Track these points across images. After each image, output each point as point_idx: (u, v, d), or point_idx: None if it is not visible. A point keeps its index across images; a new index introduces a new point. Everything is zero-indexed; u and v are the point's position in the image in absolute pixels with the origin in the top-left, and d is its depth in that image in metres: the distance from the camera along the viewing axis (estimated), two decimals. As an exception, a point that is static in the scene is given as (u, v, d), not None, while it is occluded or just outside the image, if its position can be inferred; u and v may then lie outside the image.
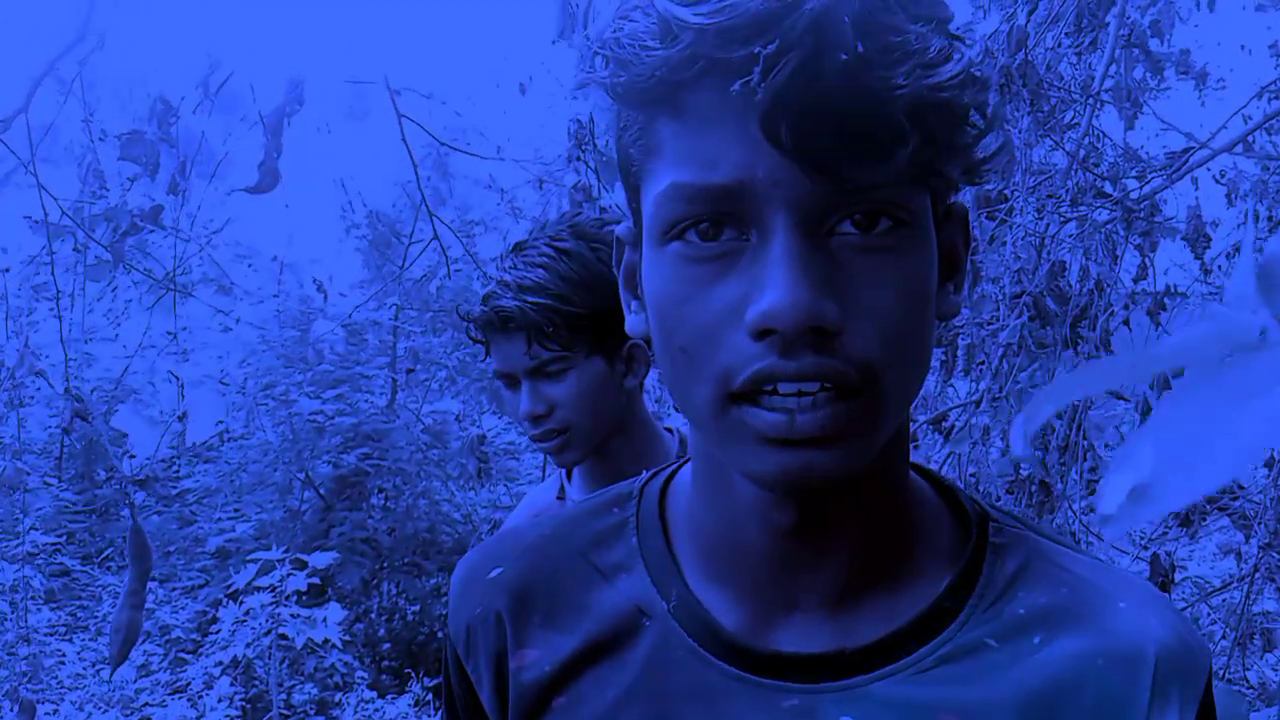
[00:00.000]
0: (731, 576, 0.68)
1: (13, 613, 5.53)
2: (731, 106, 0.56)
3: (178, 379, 2.89)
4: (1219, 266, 3.60)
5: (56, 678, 5.82)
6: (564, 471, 1.58)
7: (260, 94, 2.72)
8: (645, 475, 0.78)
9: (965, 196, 2.64)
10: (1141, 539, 2.89)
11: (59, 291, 2.24)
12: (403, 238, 5.75)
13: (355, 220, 6.75)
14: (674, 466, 0.78)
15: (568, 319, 1.38)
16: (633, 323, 0.71)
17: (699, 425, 0.64)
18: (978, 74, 0.58)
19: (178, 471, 7.26)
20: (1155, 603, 0.67)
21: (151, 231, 2.54)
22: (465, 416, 8.17)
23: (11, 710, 3.30)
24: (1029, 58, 2.11)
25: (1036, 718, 0.62)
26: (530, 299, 1.37)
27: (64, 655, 5.98)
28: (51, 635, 6.13)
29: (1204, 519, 2.41)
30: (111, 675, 4.85)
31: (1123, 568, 0.75)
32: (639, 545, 0.73)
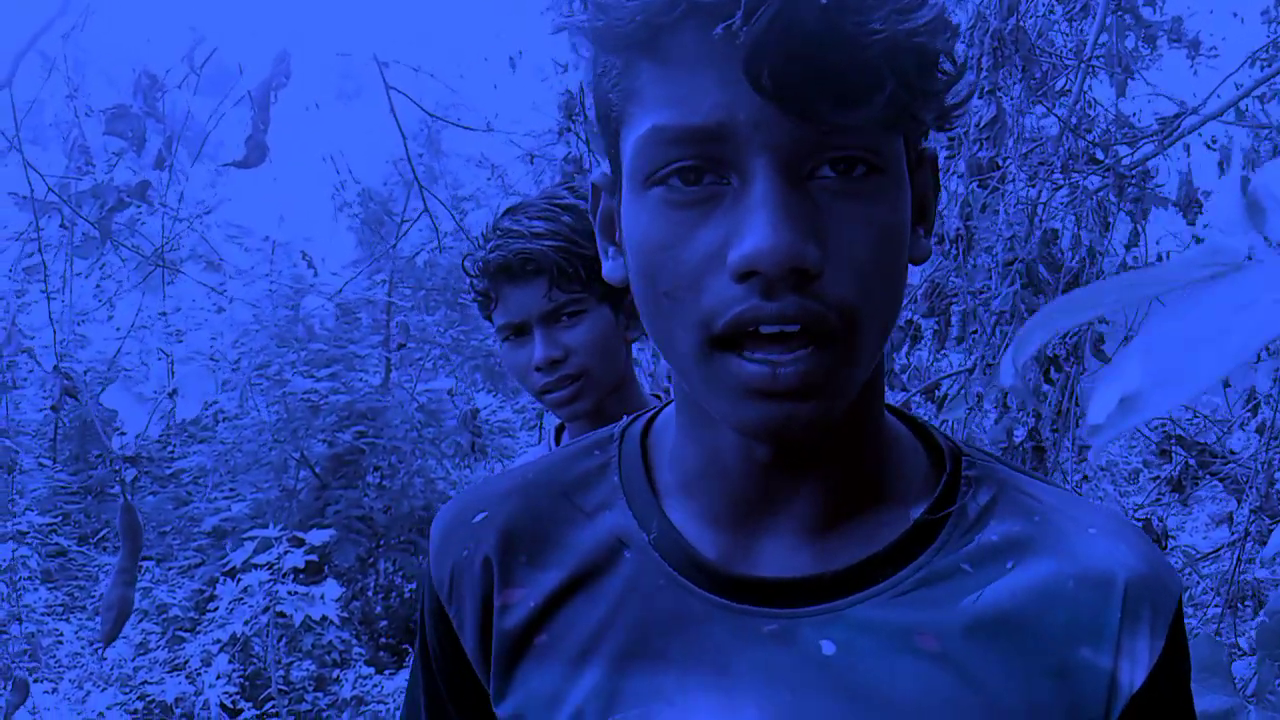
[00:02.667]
0: (712, 508, 0.70)
1: (10, 592, 5.53)
2: (713, 49, 0.56)
3: (168, 356, 2.88)
4: (1206, 236, 3.59)
5: (55, 657, 5.84)
6: (553, 437, 1.58)
7: (247, 69, 2.70)
8: (625, 420, 0.79)
9: (959, 164, 2.63)
10: (1135, 506, 2.91)
11: (46, 269, 2.22)
12: (394, 215, 5.73)
13: (347, 198, 6.73)
14: (654, 411, 0.79)
15: (585, 260, 1.38)
16: (609, 269, 0.71)
17: (682, 371, 0.65)
18: (948, 20, 0.58)
19: (172, 452, 7.26)
20: (1125, 530, 0.68)
21: (139, 208, 2.53)
22: (459, 394, 8.17)
23: (4, 688, 3.31)
24: (1020, 23, 2.10)
25: (1010, 637, 0.64)
26: (548, 242, 1.38)
27: (61, 635, 5.99)
28: (49, 615, 6.14)
29: (1196, 483, 2.42)
30: (103, 652, 4.86)
31: (1091, 499, 0.76)
32: (620, 483, 0.73)
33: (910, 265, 0.65)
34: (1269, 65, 3.46)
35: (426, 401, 7.44)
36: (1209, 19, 4.01)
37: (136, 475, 5.54)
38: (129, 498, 2.52)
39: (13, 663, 3.99)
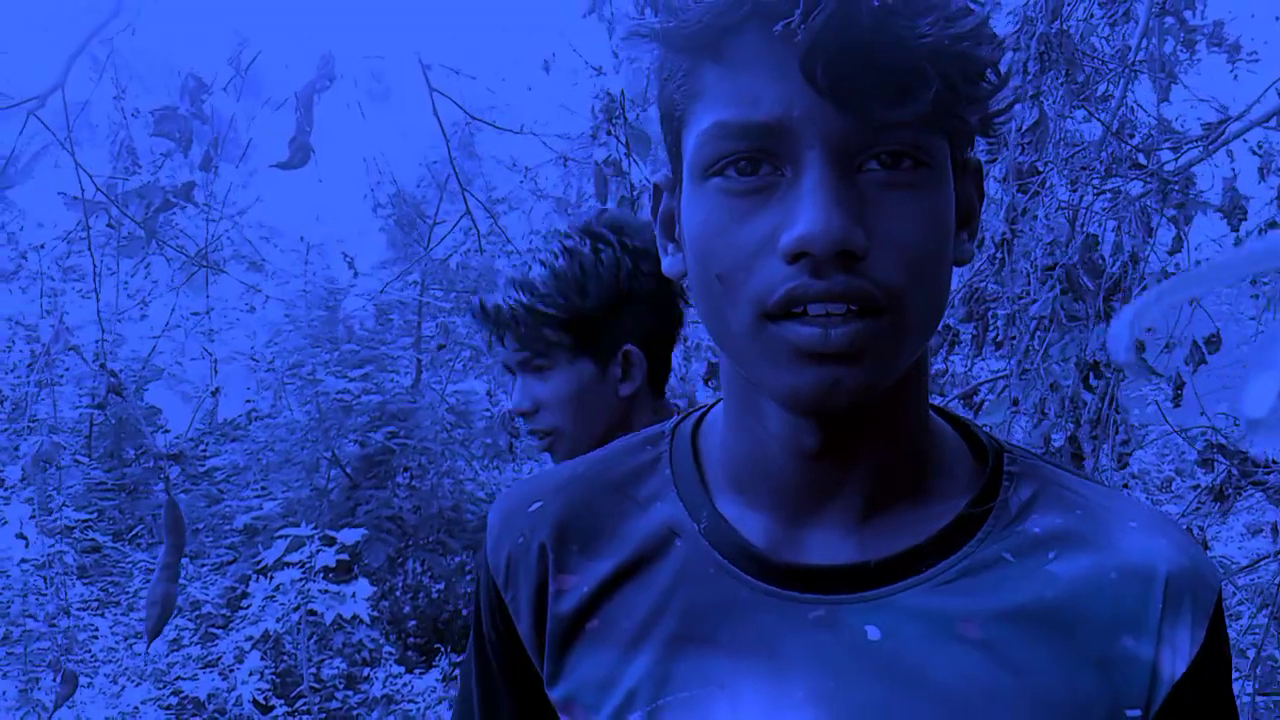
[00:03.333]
0: (760, 499, 0.73)
1: (48, 587, 5.61)
2: (772, 49, 0.61)
3: (211, 355, 2.92)
4: (1244, 243, 3.55)
5: (90, 651, 5.91)
6: None
7: (288, 71, 2.73)
8: (675, 418, 0.83)
9: (998, 169, 2.61)
10: (1176, 514, 2.88)
11: (97, 267, 2.26)
12: (427, 218, 5.77)
13: (380, 200, 6.77)
14: (704, 409, 0.82)
15: (543, 319, 1.39)
16: (668, 264, 0.75)
17: (734, 351, 0.68)
18: (992, 31, 0.63)
19: (205, 450, 7.33)
20: (1165, 524, 0.70)
21: (183, 209, 2.56)
22: (491, 395, 8.20)
23: (54, 681, 3.36)
24: (1064, 27, 2.09)
25: (1052, 627, 0.66)
26: (513, 296, 1.40)
27: (96, 630, 6.06)
28: (84, 610, 6.22)
29: (1239, 492, 2.39)
30: (148, 647, 4.93)
31: (1133, 496, 0.78)
32: (672, 476, 0.77)
33: (954, 267, 0.69)
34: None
35: (456, 403, 7.47)
36: (1250, 23, 3.97)
37: (168, 473, 5.60)
38: (173, 495, 2.55)
39: (61, 655, 4.04)
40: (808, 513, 0.72)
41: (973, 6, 0.62)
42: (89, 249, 2.06)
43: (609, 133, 2.34)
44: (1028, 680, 0.65)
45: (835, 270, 0.61)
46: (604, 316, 1.41)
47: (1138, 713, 0.65)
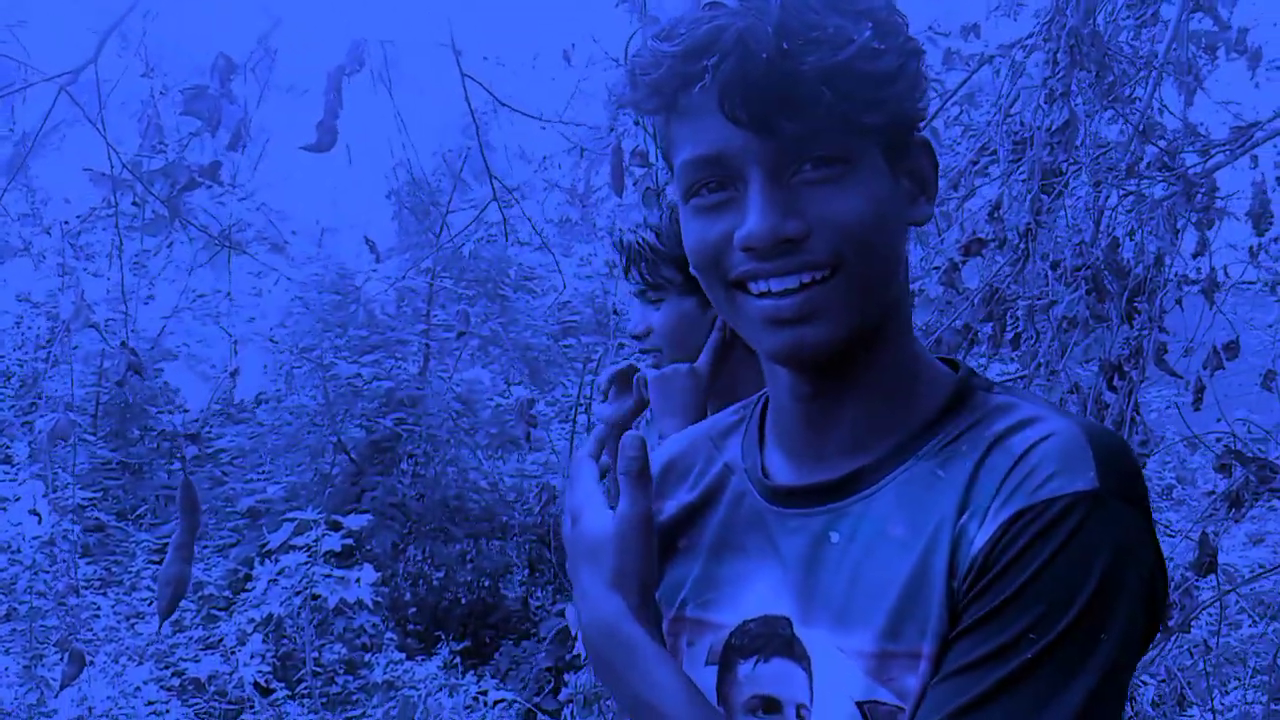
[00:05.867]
0: (784, 441, 0.94)
1: (52, 565, 5.61)
2: (706, 101, 0.80)
3: (231, 336, 2.93)
4: (1266, 250, 3.55)
5: (91, 630, 5.91)
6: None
7: (313, 54, 2.73)
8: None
9: (1024, 168, 2.62)
10: (1166, 522, 2.88)
11: (122, 244, 2.26)
12: (440, 206, 5.77)
13: (394, 187, 6.76)
14: None
15: (661, 257, 1.64)
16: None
17: (732, 325, 0.90)
18: (877, 46, 0.79)
19: (210, 432, 7.33)
20: (1057, 431, 0.80)
21: (209, 188, 2.56)
22: (497, 385, 8.21)
23: (61, 659, 3.37)
24: (1096, 27, 2.09)
25: (952, 521, 0.80)
26: (642, 235, 1.66)
27: (99, 609, 6.06)
28: (87, 589, 6.22)
29: (1256, 500, 2.40)
30: (160, 628, 4.94)
31: (1082, 419, 0.85)
32: (744, 430, 1.00)
33: (913, 228, 0.89)
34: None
35: (463, 391, 7.47)
36: (1273, 31, 3.97)
37: (185, 452, 5.60)
38: (189, 474, 2.56)
39: (69, 634, 4.05)
40: (813, 448, 0.91)
41: (865, 29, 0.78)
42: (116, 226, 2.07)
43: (636, 123, 2.34)
44: (924, 564, 0.80)
45: (779, 254, 0.81)
46: None
47: (957, 584, 0.79)
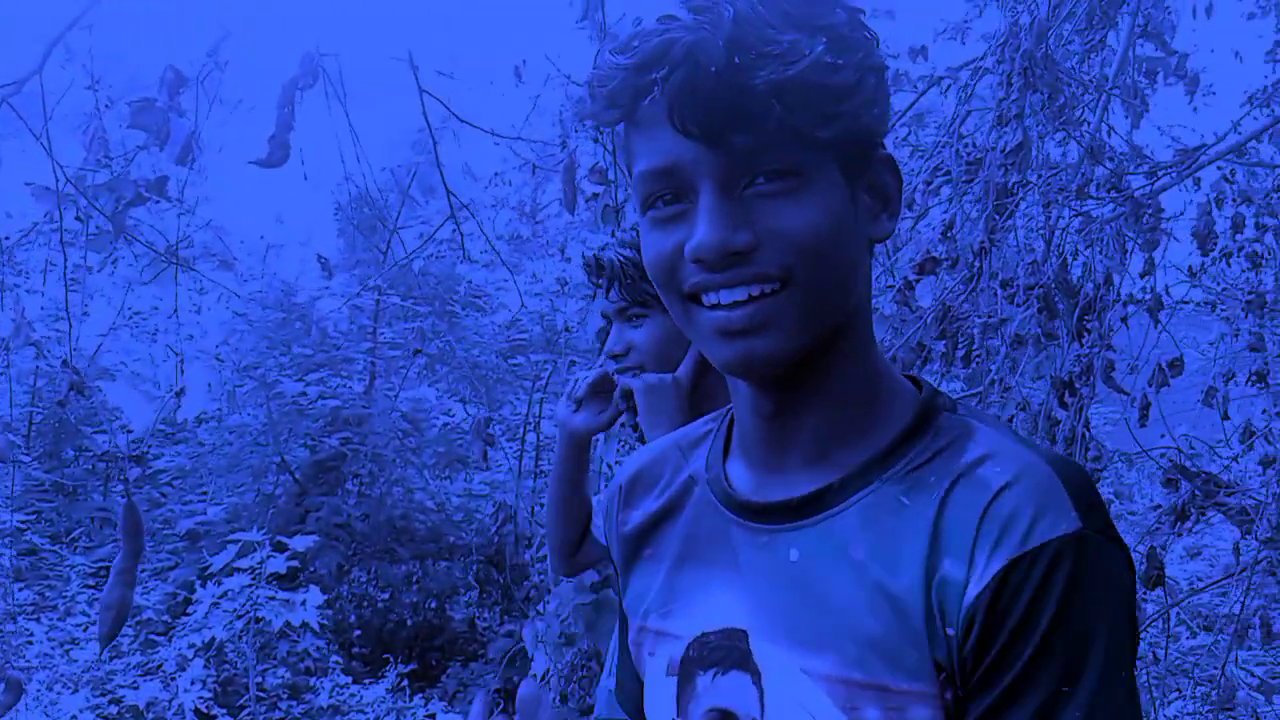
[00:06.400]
0: (745, 454, 0.94)
1: (4, 591, 5.41)
2: (658, 114, 0.81)
3: (177, 353, 2.85)
4: (1206, 270, 3.64)
5: (24, 657, 5.72)
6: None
7: (265, 67, 2.69)
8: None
9: (976, 187, 2.65)
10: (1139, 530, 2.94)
11: (66, 260, 2.20)
12: (387, 223, 5.71)
13: (341, 202, 6.68)
14: None
15: (643, 274, 1.59)
16: None
17: (689, 337, 0.89)
18: (831, 60, 0.79)
19: (146, 451, 7.15)
20: (1029, 469, 0.80)
21: (156, 203, 2.50)
22: (439, 404, 8.11)
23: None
24: (1050, 51, 2.13)
25: (920, 554, 0.80)
26: (623, 253, 1.66)
27: (32, 635, 5.87)
28: (19, 614, 6.02)
29: (1202, 514, 2.44)
30: (101, 653, 4.79)
31: (1041, 448, 0.85)
32: (711, 442, 1.00)
33: (878, 242, 0.88)
34: (1267, 106, 3.52)
35: (409, 410, 7.38)
36: (1210, 57, 4.09)
37: (128, 474, 5.45)
38: (132, 497, 2.48)
39: (5, 662, 3.91)
40: (773, 461, 0.91)
41: (806, 49, 0.78)
42: (61, 242, 2.01)
43: (595, 140, 2.32)
44: (891, 597, 0.80)
45: (728, 266, 0.80)
46: None
47: (953, 631, 0.78)
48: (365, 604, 7.83)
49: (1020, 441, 0.85)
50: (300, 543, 5.40)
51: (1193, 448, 3.27)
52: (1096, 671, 0.75)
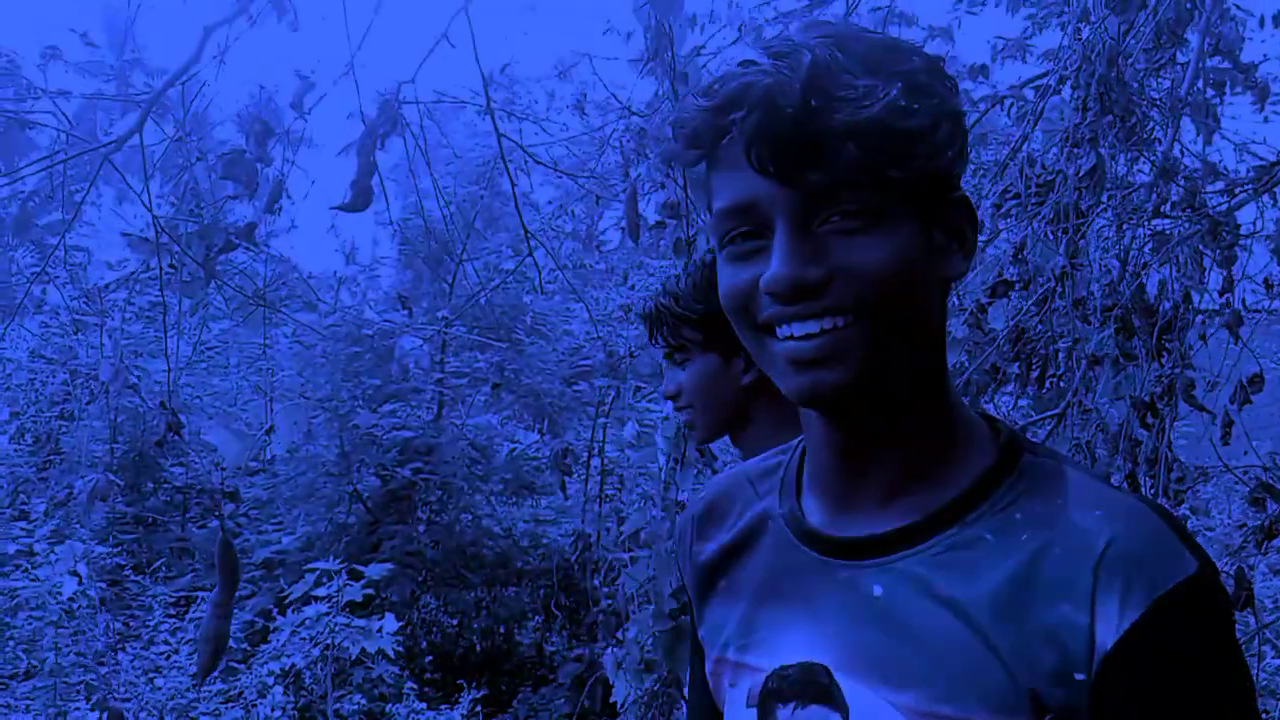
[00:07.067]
0: (819, 489, 0.96)
1: (70, 621, 5.59)
2: (736, 153, 0.83)
3: (267, 394, 2.94)
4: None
5: (109, 685, 5.87)
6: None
7: (346, 111, 2.78)
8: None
9: (1047, 210, 2.65)
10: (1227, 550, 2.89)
11: (165, 307, 2.30)
12: (453, 255, 5.82)
13: (408, 235, 6.82)
14: None
15: (680, 319, 1.70)
16: None
17: (762, 367, 0.91)
18: (906, 105, 0.81)
19: (237, 489, 7.34)
20: (1131, 512, 0.82)
21: (246, 250, 2.60)
22: (505, 431, 8.21)
23: (101, 718, 3.37)
24: (1120, 73, 2.13)
25: (1013, 594, 0.82)
26: (660, 301, 1.72)
27: (118, 664, 6.04)
28: (106, 645, 6.19)
29: (1291, 532, 2.41)
30: (201, 683, 4.92)
31: (1127, 491, 0.87)
32: (782, 475, 1.02)
33: (953, 281, 0.90)
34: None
35: (476, 438, 7.48)
36: (1278, 65, 4.02)
37: (223, 510, 5.60)
38: (227, 534, 2.57)
39: (108, 693, 4.03)
40: (847, 497, 0.93)
41: (881, 94, 0.80)
42: (161, 290, 2.11)
43: (667, 174, 2.37)
44: (982, 634, 0.82)
45: (802, 299, 0.83)
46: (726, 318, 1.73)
47: (1083, 676, 0.78)
48: (435, 630, 7.93)
49: (1109, 485, 0.87)
50: (375, 571, 5.50)
51: (1277, 464, 3.21)
52: (1242, 700, 0.79)
